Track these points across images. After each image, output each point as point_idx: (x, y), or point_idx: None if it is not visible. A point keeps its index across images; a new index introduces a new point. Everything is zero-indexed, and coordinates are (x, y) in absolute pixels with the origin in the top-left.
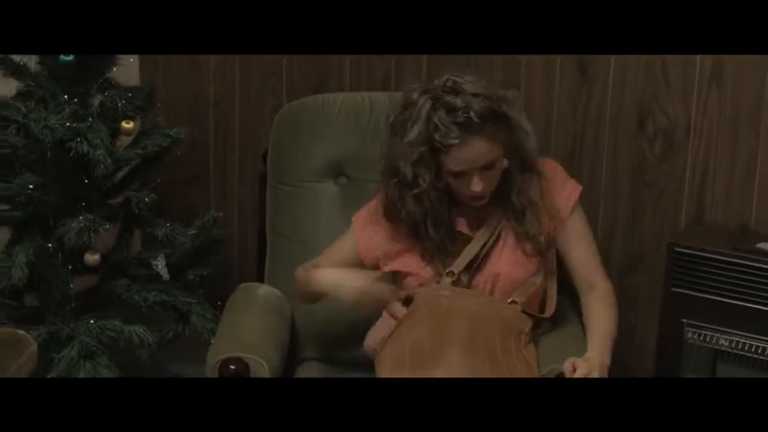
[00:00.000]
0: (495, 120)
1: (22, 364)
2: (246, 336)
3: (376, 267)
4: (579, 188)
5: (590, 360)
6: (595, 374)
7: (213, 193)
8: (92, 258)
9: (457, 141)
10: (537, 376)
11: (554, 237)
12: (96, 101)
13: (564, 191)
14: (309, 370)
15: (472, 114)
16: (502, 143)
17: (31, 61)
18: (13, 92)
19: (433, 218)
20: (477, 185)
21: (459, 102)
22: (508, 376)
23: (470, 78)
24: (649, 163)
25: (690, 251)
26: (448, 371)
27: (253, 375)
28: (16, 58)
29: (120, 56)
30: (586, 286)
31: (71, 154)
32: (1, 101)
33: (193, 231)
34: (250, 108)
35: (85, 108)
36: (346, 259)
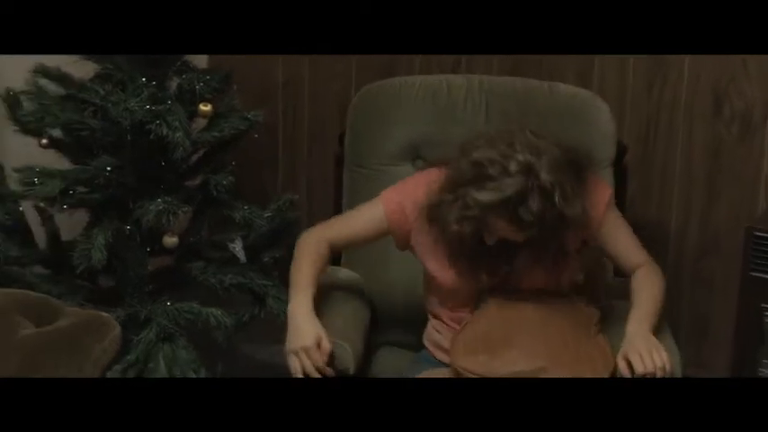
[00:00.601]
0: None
1: (106, 347)
2: (330, 319)
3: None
4: (609, 191)
5: (632, 344)
6: (655, 353)
7: (282, 175)
8: (170, 240)
9: (505, 226)
10: (611, 361)
11: (588, 241)
12: (174, 84)
13: (595, 197)
14: (388, 354)
15: (538, 222)
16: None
17: None
18: (91, 74)
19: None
20: (519, 239)
21: (536, 208)
22: (584, 360)
23: (552, 158)
24: (725, 147)
25: None
26: (521, 352)
27: (336, 359)
28: None
29: None
30: (630, 271)
31: (150, 136)
32: (79, 83)
33: (269, 214)
34: (319, 90)
35: (163, 91)
36: (367, 229)
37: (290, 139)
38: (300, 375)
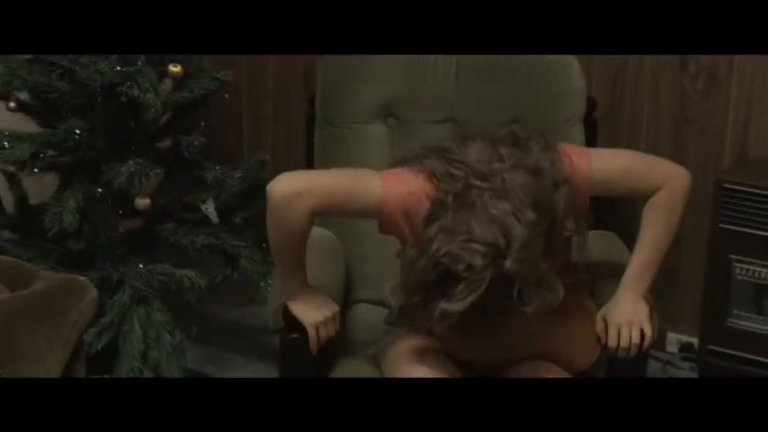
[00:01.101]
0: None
1: (83, 309)
2: (311, 282)
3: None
4: (586, 155)
5: (617, 310)
6: (635, 328)
7: (247, 136)
8: (142, 202)
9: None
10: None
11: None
12: None
13: (576, 173)
14: (362, 312)
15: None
16: None
17: None
18: None
19: None
20: None
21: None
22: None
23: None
24: (692, 101)
25: (738, 187)
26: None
27: None
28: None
29: None
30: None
31: (121, 98)
32: None
33: (240, 174)
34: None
35: None
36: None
37: (255, 101)
38: (316, 347)
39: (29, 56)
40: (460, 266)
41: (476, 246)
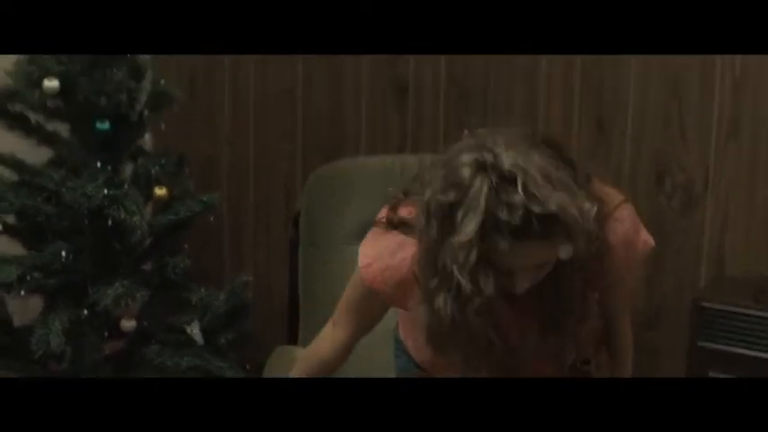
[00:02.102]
0: (558, 233)
1: None
2: None
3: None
4: (650, 244)
5: None
6: None
7: (229, 258)
8: (128, 324)
9: (507, 247)
10: None
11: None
12: (128, 168)
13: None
14: None
15: (533, 219)
16: (559, 241)
17: (65, 130)
18: (45, 160)
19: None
20: (521, 286)
21: (518, 200)
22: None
23: (529, 160)
24: (668, 219)
25: (716, 306)
26: None
27: None
28: (50, 127)
29: (152, 122)
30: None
31: (108, 221)
32: (34, 169)
33: (224, 296)
34: (264, 172)
35: (118, 175)
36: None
37: (236, 222)
38: None
39: (16, 178)
40: (452, 193)
41: (459, 165)
